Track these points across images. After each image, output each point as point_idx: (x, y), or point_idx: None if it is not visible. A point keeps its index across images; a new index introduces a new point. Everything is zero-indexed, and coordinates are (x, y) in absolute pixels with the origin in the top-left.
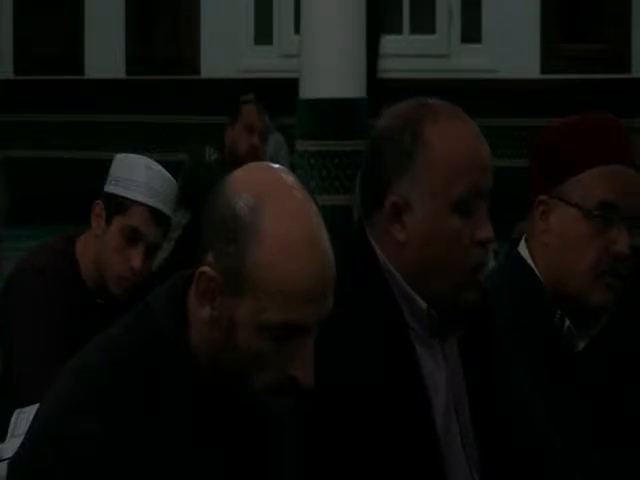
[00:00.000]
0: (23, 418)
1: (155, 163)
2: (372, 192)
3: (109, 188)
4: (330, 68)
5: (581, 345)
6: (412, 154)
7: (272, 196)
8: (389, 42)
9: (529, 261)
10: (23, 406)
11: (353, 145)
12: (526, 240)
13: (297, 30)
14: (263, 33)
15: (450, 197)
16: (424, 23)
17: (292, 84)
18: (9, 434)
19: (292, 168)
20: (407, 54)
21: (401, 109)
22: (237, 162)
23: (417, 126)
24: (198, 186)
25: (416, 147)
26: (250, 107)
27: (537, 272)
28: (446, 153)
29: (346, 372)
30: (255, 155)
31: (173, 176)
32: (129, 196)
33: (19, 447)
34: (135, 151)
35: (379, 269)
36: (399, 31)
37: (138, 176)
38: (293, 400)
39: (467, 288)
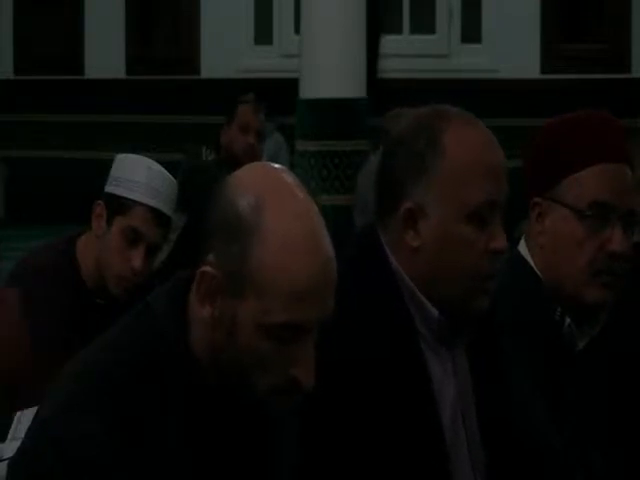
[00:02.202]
0: (24, 420)
1: (156, 163)
2: (386, 197)
3: (110, 188)
4: (330, 68)
5: (581, 345)
6: (428, 161)
7: (274, 196)
8: (389, 42)
9: (529, 260)
10: (23, 406)
11: (353, 145)
12: (525, 240)
13: (297, 30)
14: (263, 33)
15: (465, 205)
16: (424, 23)
17: (292, 84)
18: (10, 435)
19: (292, 168)
20: (407, 54)
21: (418, 116)
22: (234, 162)
23: (433, 133)
24: (195, 187)
25: (432, 154)
26: (246, 107)
27: (537, 271)
28: (462, 160)
29: (354, 376)
30: (252, 154)
31: (173, 176)
32: (130, 196)
33: (19, 447)
34: (135, 151)
35: (391, 274)
36: (399, 31)
37: (139, 177)
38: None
39: (478, 296)
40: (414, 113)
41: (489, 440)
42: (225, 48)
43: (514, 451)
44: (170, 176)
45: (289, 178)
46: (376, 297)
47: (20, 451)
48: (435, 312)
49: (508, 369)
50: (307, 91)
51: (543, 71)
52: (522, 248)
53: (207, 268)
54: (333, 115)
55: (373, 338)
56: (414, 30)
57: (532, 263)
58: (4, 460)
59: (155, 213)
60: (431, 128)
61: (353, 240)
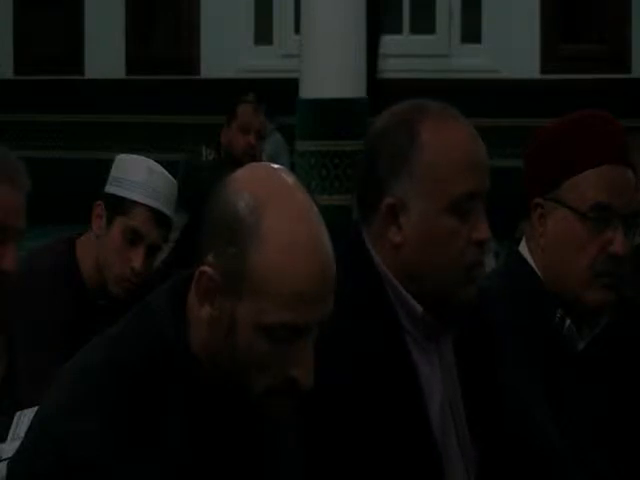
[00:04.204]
0: (24, 420)
1: (156, 164)
2: (368, 194)
3: (110, 189)
4: (330, 68)
5: (581, 345)
6: (408, 156)
7: (273, 197)
8: (389, 42)
9: (530, 261)
10: (23, 406)
11: (353, 145)
12: (526, 240)
13: (297, 30)
14: (263, 33)
15: (446, 198)
16: (424, 23)
17: (292, 84)
18: (10, 436)
19: (292, 168)
20: (407, 54)
21: (397, 110)
22: (234, 162)
23: (413, 127)
24: (195, 186)
25: (412, 149)
26: (246, 107)
27: (538, 272)
28: (442, 154)
29: (342, 375)
30: (252, 154)
31: (173, 176)
32: (130, 197)
33: (19, 447)
34: (135, 151)
35: (375, 272)
36: (399, 31)
37: (139, 177)
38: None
39: (462, 288)
40: (393, 108)
41: (479, 435)
42: (225, 48)
43: (506, 448)
44: (170, 177)
45: (289, 178)
46: (361, 295)
47: (20, 451)
48: (419, 308)
49: (506, 367)
50: (307, 91)
51: (543, 71)
52: (523, 248)
53: (206, 268)
54: (333, 115)
55: (358, 336)
56: (414, 30)
57: (533, 263)
58: (4, 460)
59: (155, 214)
60: (410, 122)
61: (342, 239)
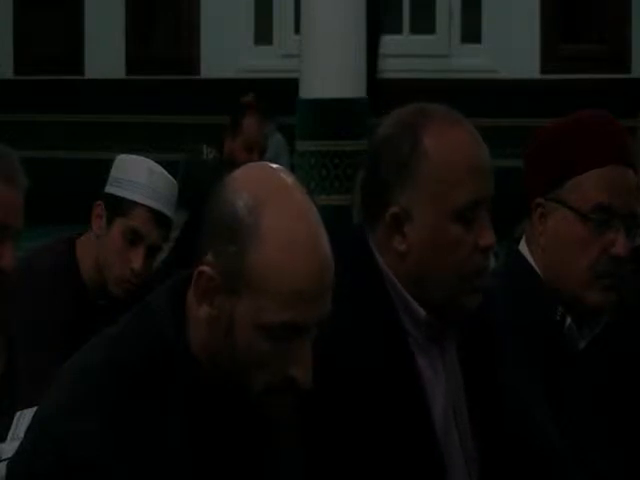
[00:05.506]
0: (24, 420)
1: (156, 164)
2: (372, 202)
3: (110, 189)
4: (330, 68)
5: (582, 344)
6: (411, 164)
7: (272, 196)
8: (389, 42)
9: (530, 260)
10: (23, 406)
11: (353, 145)
12: (526, 240)
13: (297, 30)
14: (263, 33)
15: (450, 206)
16: (424, 23)
17: (292, 84)
18: (9, 436)
19: (292, 168)
20: (407, 54)
21: (400, 116)
22: (234, 164)
23: (416, 134)
24: (195, 186)
25: (415, 156)
26: (251, 121)
27: (538, 271)
28: (445, 162)
29: (346, 376)
30: None
31: (173, 176)
32: (130, 197)
33: (18, 447)
34: (135, 151)
35: (379, 276)
36: (399, 31)
37: (140, 177)
38: (293, 401)
39: (467, 294)
40: (397, 112)
41: (481, 437)
42: (225, 48)
43: (507, 448)
44: (170, 177)
45: (287, 178)
46: (364, 299)
47: (20, 451)
48: (422, 312)
49: (506, 368)
50: (307, 91)
51: (543, 71)
52: (522, 248)
53: (205, 268)
54: (333, 115)
55: (361, 340)
56: (414, 30)
57: (533, 263)
58: (4, 460)
59: (156, 214)
60: (414, 129)
61: (344, 241)
